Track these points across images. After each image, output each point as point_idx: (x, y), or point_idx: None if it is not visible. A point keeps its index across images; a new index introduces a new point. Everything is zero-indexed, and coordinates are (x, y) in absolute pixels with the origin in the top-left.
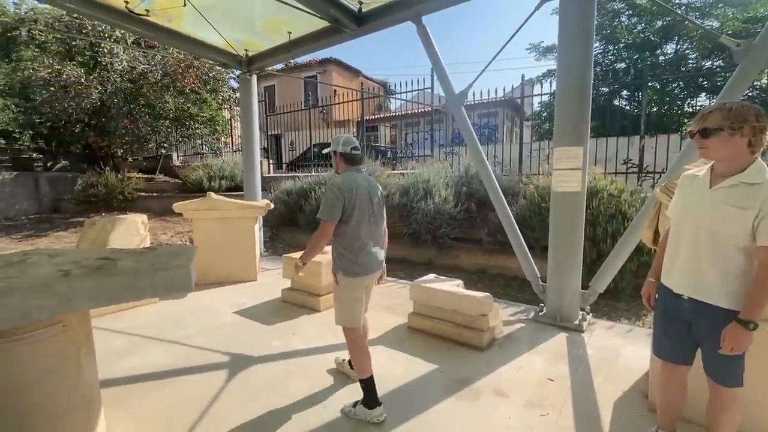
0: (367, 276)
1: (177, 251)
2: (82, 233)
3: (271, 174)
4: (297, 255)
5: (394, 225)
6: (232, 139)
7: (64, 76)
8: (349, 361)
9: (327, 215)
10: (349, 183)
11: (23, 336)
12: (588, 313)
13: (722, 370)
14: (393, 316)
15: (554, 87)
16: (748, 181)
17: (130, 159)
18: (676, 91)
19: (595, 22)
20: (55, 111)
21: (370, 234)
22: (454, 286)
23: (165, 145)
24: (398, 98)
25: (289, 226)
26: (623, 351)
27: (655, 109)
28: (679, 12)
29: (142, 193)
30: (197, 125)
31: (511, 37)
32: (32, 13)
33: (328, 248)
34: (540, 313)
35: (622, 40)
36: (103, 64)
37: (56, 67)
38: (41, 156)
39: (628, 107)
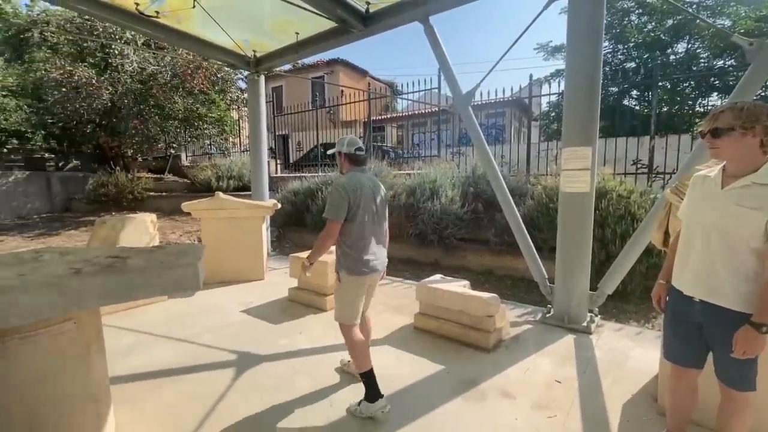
0: (370, 275)
1: (185, 250)
2: (92, 232)
3: (279, 174)
4: (304, 254)
5: (392, 225)
6: (240, 140)
7: (76, 77)
8: None
9: (333, 214)
10: (353, 183)
11: (36, 333)
12: (596, 315)
13: (734, 374)
14: (399, 316)
15: (562, 87)
16: (760, 181)
17: (139, 159)
18: (687, 90)
19: (605, 21)
20: (66, 111)
21: (374, 233)
22: (460, 286)
23: (174, 145)
24: (405, 98)
25: (296, 225)
26: (632, 353)
27: (665, 109)
28: (690, 10)
29: (151, 193)
30: (206, 126)
31: (519, 37)
32: (44, 14)
33: (334, 248)
34: (547, 315)
35: (632, 39)
36: (114, 65)
37: (68, 68)
38: (53, 156)
39: (637, 107)
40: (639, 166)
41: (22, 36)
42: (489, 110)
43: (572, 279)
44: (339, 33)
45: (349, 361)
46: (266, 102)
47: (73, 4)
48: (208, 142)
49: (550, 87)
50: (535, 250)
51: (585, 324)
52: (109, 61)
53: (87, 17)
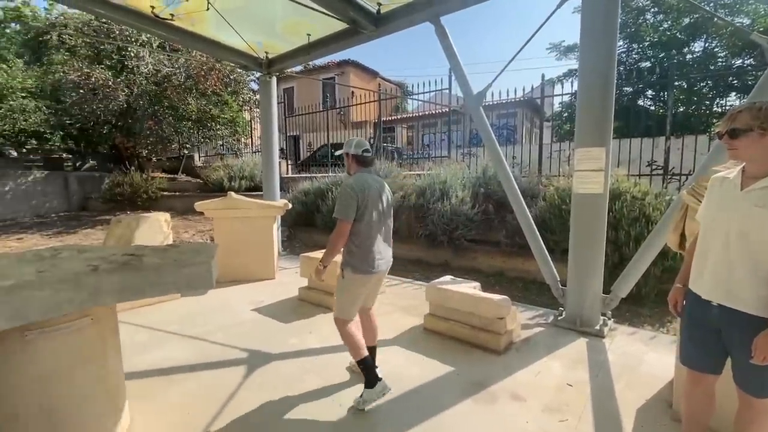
0: (375, 274)
1: (199, 249)
2: (108, 230)
3: (289, 174)
4: (314, 254)
5: (402, 226)
6: (251, 140)
7: (93, 79)
8: None
9: (343, 214)
10: (361, 183)
11: (54, 328)
12: (609, 319)
13: (753, 381)
14: (409, 317)
15: (575, 87)
16: None
17: (154, 159)
18: (704, 90)
19: (619, 19)
20: (84, 113)
21: (380, 232)
22: (471, 288)
23: (187, 145)
24: (415, 99)
25: (306, 225)
26: (646, 358)
27: (681, 109)
28: (707, 8)
29: (165, 193)
30: (218, 126)
31: (531, 37)
32: (62, 18)
33: None
34: (559, 318)
35: (647, 39)
36: (130, 67)
37: (85, 70)
38: (71, 156)
39: (653, 107)
40: (654, 167)
41: (41, 39)
42: (500, 111)
43: (585, 281)
44: (350, 34)
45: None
46: (278, 103)
47: (91, 7)
48: (220, 142)
49: (562, 87)
50: (546, 252)
51: (598, 327)
52: (125, 63)
53: (104, 20)
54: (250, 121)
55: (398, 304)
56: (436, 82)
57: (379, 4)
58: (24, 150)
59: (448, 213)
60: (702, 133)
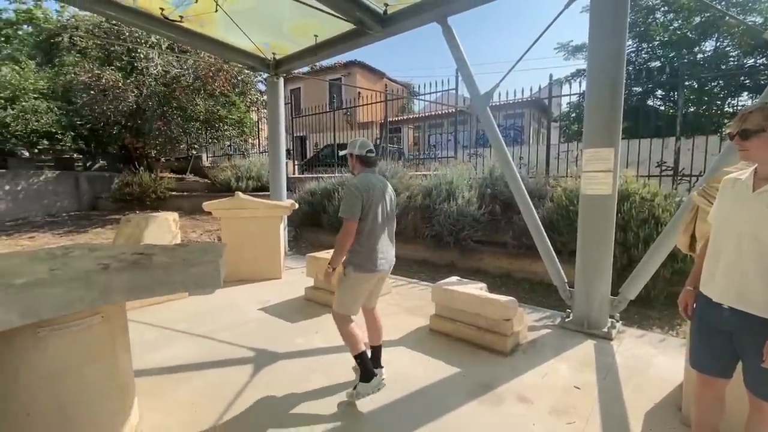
0: (378, 273)
1: (207, 248)
2: (118, 230)
3: (296, 175)
4: (320, 254)
5: (408, 227)
6: (259, 141)
7: (103, 81)
8: (370, 361)
9: (349, 214)
10: (365, 183)
11: (66, 325)
12: (617, 321)
13: (764, 385)
14: (414, 317)
15: (583, 87)
16: None
17: (162, 159)
18: (715, 90)
19: (628, 19)
20: (94, 113)
21: (384, 231)
22: (477, 289)
23: (195, 146)
24: (422, 99)
25: (313, 225)
26: (655, 361)
27: (692, 110)
28: (719, 7)
29: (173, 193)
30: (226, 127)
31: (539, 37)
32: (74, 20)
33: None
34: (566, 320)
35: (657, 38)
36: (139, 68)
37: (96, 71)
38: (81, 156)
39: (662, 107)
40: (664, 168)
41: (52, 40)
42: (508, 111)
43: (593, 283)
44: (357, 35)
45: None
46: (285, 104)
47: (101, 9)
48: (228, 143)
49: (570, 87)
50: (554, 254)
51: (606, 329)
52: (135, 64)
53: (114, 22)
54: (257, 121)
55: (404, 304)
56: (442, 82)
57: (386, 5)
58: (36, 150)
59: (455, 213)
60: (713, 133)
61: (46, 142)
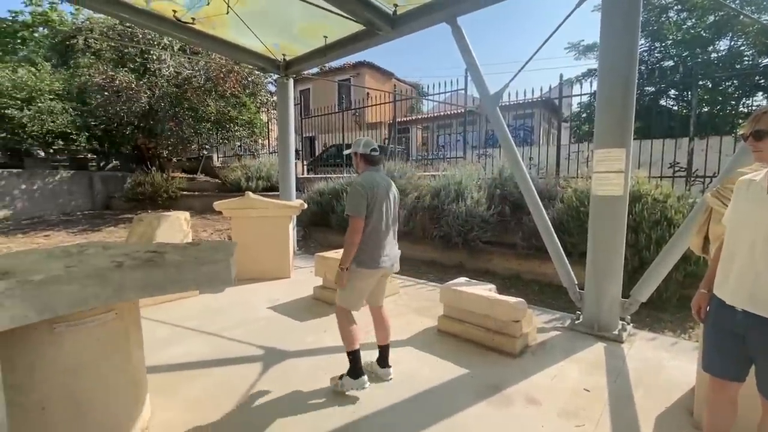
0: (380, 270)
1: (218, 247)
2: (131, 228)
3: (305, 175)
4: (329, 254)
5: (416, 227)
6: (268, 141)
7: (117, 82)
8: (377, 360)
9: (355, 211)
10: (370, 181)
11: (81, 321)
12: (628, 324)
13: None
14: (423, 318)
15: (594, 87)
16: None
17: (174, 159)
18: (729, 90)
19: (641, 18)
20: (108, 114)
21: (388, 229)
22: (486, 290)
23: (206, 146)
24: (431, 100)
25: (321, 225)
26: (667, 364)
27: (706, 110)
28: (733, 6)
29: (184, 192)
30: (236, 128)
31: (550, 36)
32: (88, 22)
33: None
34: (576, 322)
35: (670, 37)
36: (152, 70)
37: (110, 73)
38: (95, 156)
39: (676, 107)
40: (677, 169)
41: (67, 43)
42: (517, 111)
43: (603, 285)
44: (366, 35)
45: (371, 362)
46: (294, 105)
47: (115, 11)
48: (238, 143)
49: (581, 87)
50: (564, 255)
51: (616, 332)
52: (148, 66)
53: (128, 24)
54: (267, 122)
55: (412, 305)
56: (451, 82)
57: (396, 5)
58: (51, 150)
59: (463, 214)
60: (727, 134)
61: (61, 142)
